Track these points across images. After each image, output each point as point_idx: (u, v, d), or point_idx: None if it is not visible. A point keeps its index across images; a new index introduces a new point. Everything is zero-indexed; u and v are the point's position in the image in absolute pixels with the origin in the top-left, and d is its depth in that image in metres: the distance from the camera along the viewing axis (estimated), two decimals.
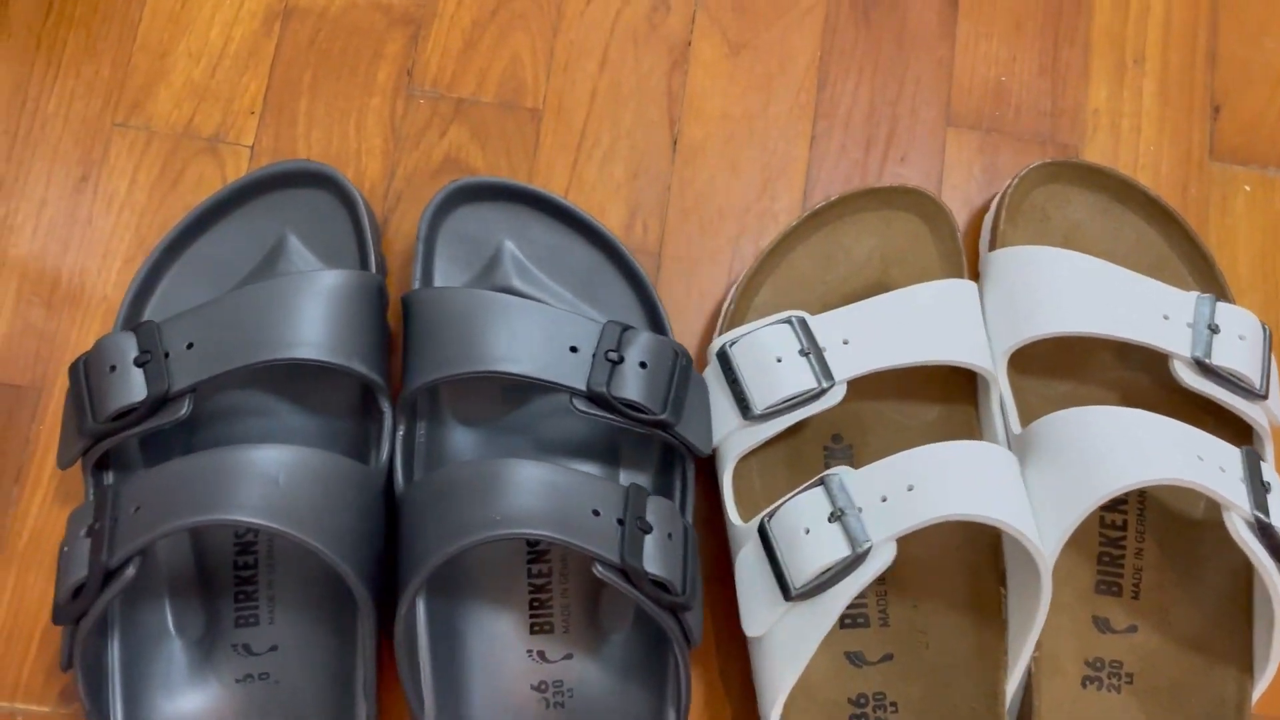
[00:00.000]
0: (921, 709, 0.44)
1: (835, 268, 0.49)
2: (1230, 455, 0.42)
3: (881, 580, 0.46)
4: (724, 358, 0.45)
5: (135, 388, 0.41)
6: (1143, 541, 0.47)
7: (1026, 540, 0.39)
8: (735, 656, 0.46)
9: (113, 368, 0.42)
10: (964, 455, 0.41)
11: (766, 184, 0.53)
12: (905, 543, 0.46)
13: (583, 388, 0.42)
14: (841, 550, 0.39)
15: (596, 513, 0.39)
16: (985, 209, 0.52)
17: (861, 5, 0.55)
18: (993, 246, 0.50)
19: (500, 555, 0.45)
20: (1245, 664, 0.44)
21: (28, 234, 0.50)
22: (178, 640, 0.44)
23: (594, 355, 0.43)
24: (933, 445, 0.41)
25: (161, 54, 0.52)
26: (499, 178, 0.49)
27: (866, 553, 0.39)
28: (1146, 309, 0.46)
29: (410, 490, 0.42)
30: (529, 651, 0.45)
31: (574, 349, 0.43)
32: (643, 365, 0.43)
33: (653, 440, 0.46)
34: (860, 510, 0.40)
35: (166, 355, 0.42)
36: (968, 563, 0.45)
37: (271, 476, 0.38)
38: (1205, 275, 0.49)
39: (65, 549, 0.39)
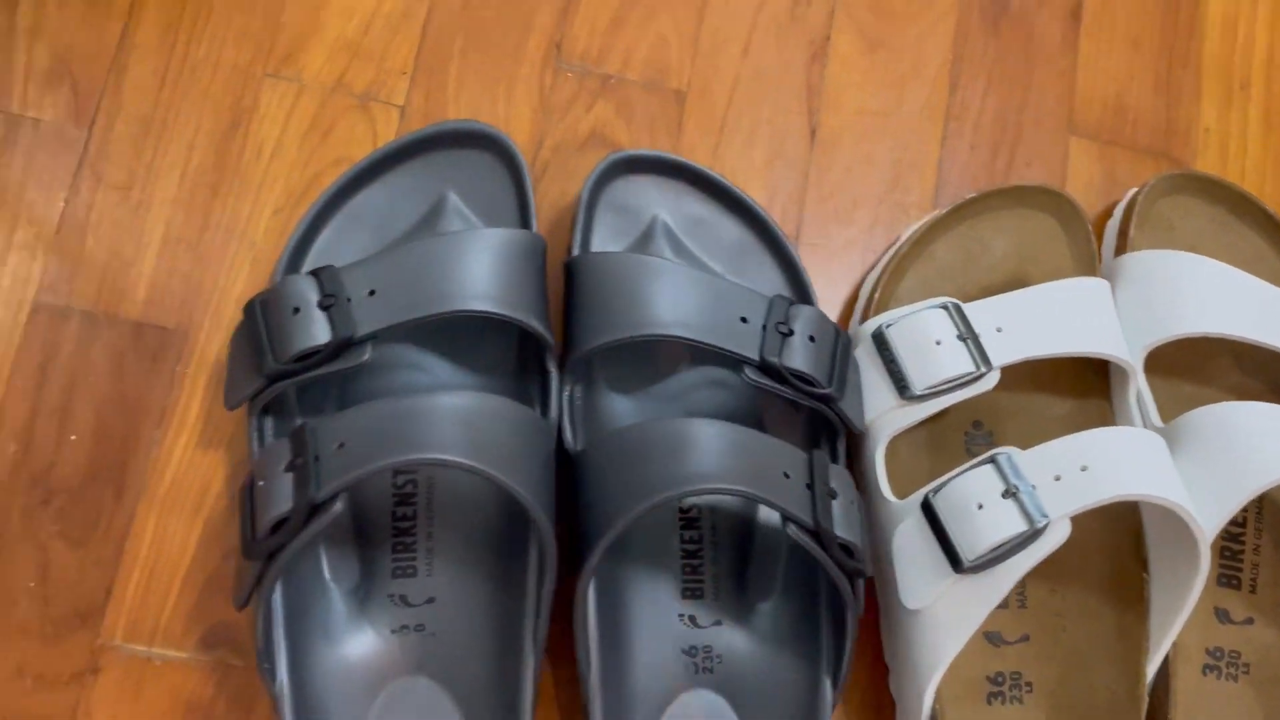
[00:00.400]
0: (1057, 690, 0.46)
1: (975, 261, 0.51)
2: None
3: None
4: (880, 338, 0.47)
5: (320, 330, 0.41)
6: (1260, 539, 0.49)
7: (1194, 522, 0.41)
8: (864, 634, 0.47)
9: (296, 309, 0.41)
10: (1132, 440, 0.42)
11: (899, 178, 0.54)
12: None
13: (755, 357, 0.43)
14: (1018, 525, 0.41)
15: (787, 475, 0.40)
16: (1104, 216, 0.54)
17: (991, 15, 0.57)
18: (1119, 251, 0.52)
19: (654, 520, 0.46)
20: None
21: (176, 177, 0.49)
22: (334, 589, 0.43)
23: (764, 327, 0.44)
24: (1099, 430, 0.43)
25: (314, 9, 0.52)
26: (658, 151, 0.50)
27: (1043, 528, 0.40)
28: (1278, 316, 0.48)
29: (593, 448, 0.42)
30: (680, 615, 0.45)
31: (744, 319, 0.44)
32: (811, 339, 0.44)
33: (797, 417, 0.47)
34: (1034, 488, 0.41)
35: (349, 300, 0.42)
36: (1108, 548, 0.46)
37: (469, 421, 0.39)
38: None
39: (261, 484, 0.38)
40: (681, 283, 0.44)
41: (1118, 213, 0.53)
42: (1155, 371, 0.50)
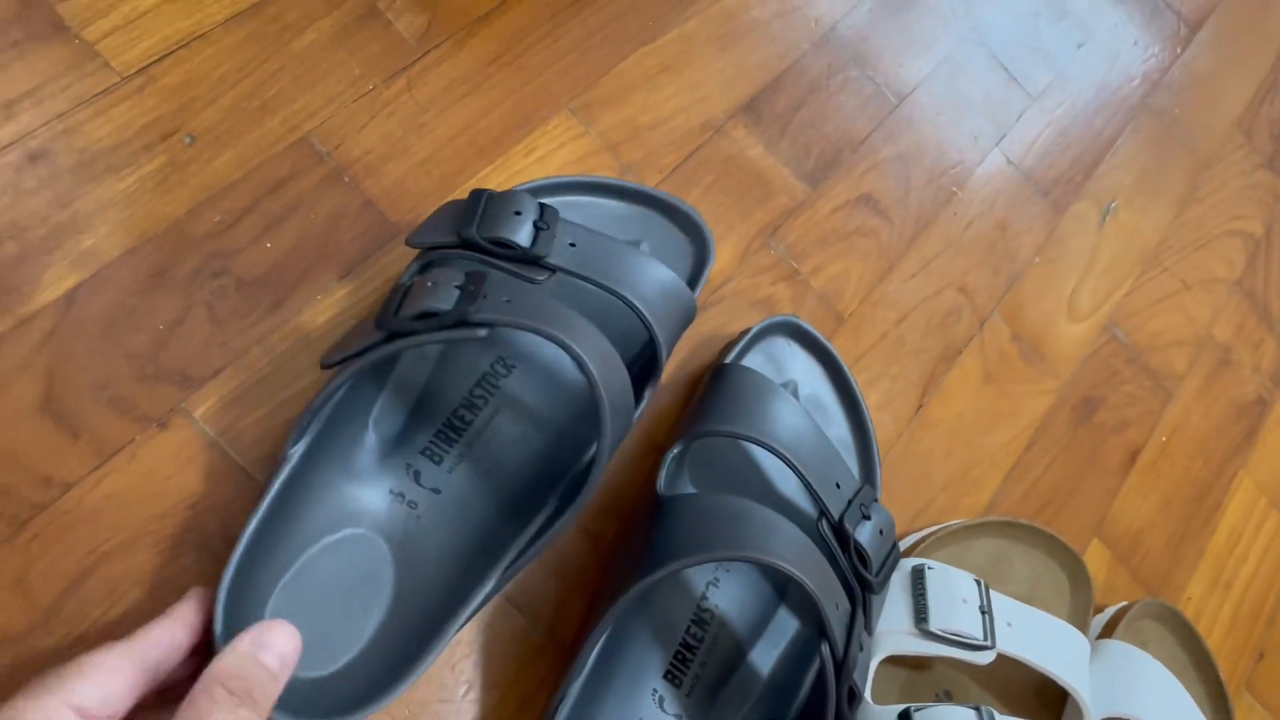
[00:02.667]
0: None
1: (998, 571, 0.58)
2: None
3: None
4: (919, 573, 0.53)
5: (523, 236, 0.47)
6: None
7: None
8: None
9: (517, 213, 0.47)
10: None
11: (961, 482, 0.63)
12: None
13: (835, 517, 0.49)
14: None
15: (838, 606, 0.45)
16: (1094, 610, 0.62)
17: (1077, 416, 0.68)
18: (1100, 637, 0.59)
19: (678, 598, 0.50)
20: None
21: (460, 123, 0.57)
22: (371, 429, 0.47)
23: (849, 501, 0.50)
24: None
25: (624, 90, 0.62)
26: (824, 338, 0.58)
27: None
28: None
29: (697, 497, 0.47)
30: (653, 691, 0.48)
31: (838, 485, 0.50)
32: (880, 533, 0.50)
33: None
34: None
35: (554, 236, 0.47)
36: None
37: (606, 354, 0.44)
38: None
39: (430, 284, 0.43)
40: (809, 428, 0.51)
41: (1110, 611, 0.61)
42: None
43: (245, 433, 0.47)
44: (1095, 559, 0.65)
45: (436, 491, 0.47)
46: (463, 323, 0.42)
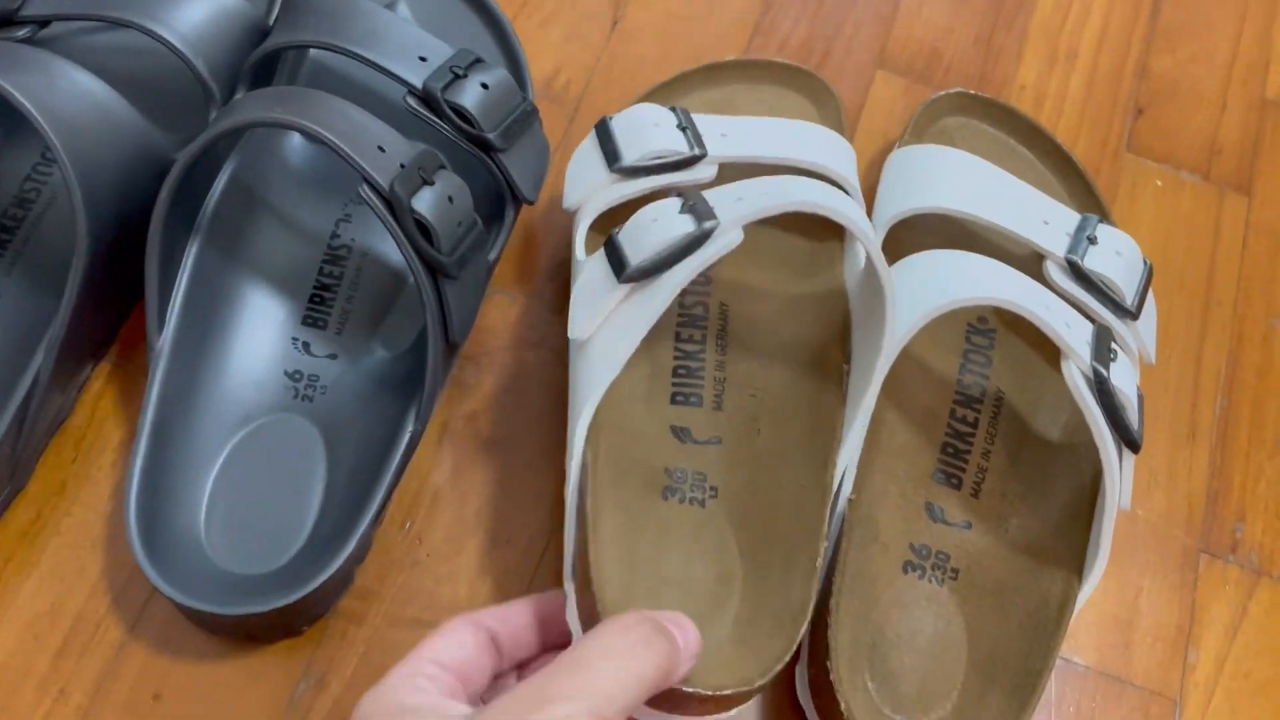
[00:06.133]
0: (744, 497, 0.40)
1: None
2: (1082, 324, 0.39)
3: (721, 367, 0.42)
4: (603, 128, 0.44)
5: None
6: (992, 444, 0.43)
7: (872, 246, 0.36)
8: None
9: None
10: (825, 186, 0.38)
11: None
12: (751, 304, 0.43)
13: (419, 85, 0.42)
14: (687, 227, 0.36)
15: (382, 149, 0.38)
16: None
17: None
18: None
19: (302, 235, 0.44)
20: (1076, 568, 0.40)
21: None
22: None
23: (439, 67, 0.42)
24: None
25: None
26: None
27: (712, 230, 0.36)
28: (1030, 211, 0.44)
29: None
30: (294, 339, 0.43)
31: (423, 59, 0.42)
32: (484, 86, 0.42)
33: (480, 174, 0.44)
34: (713, 205, 0.37)
35: None
36: (814, 345, 0.41)
37: (60, 80, 0.39)
38: None
39: None
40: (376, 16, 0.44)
41: (905, 130, 0.51)
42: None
43: None
44: (885, 93, 0.55)
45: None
46: None
